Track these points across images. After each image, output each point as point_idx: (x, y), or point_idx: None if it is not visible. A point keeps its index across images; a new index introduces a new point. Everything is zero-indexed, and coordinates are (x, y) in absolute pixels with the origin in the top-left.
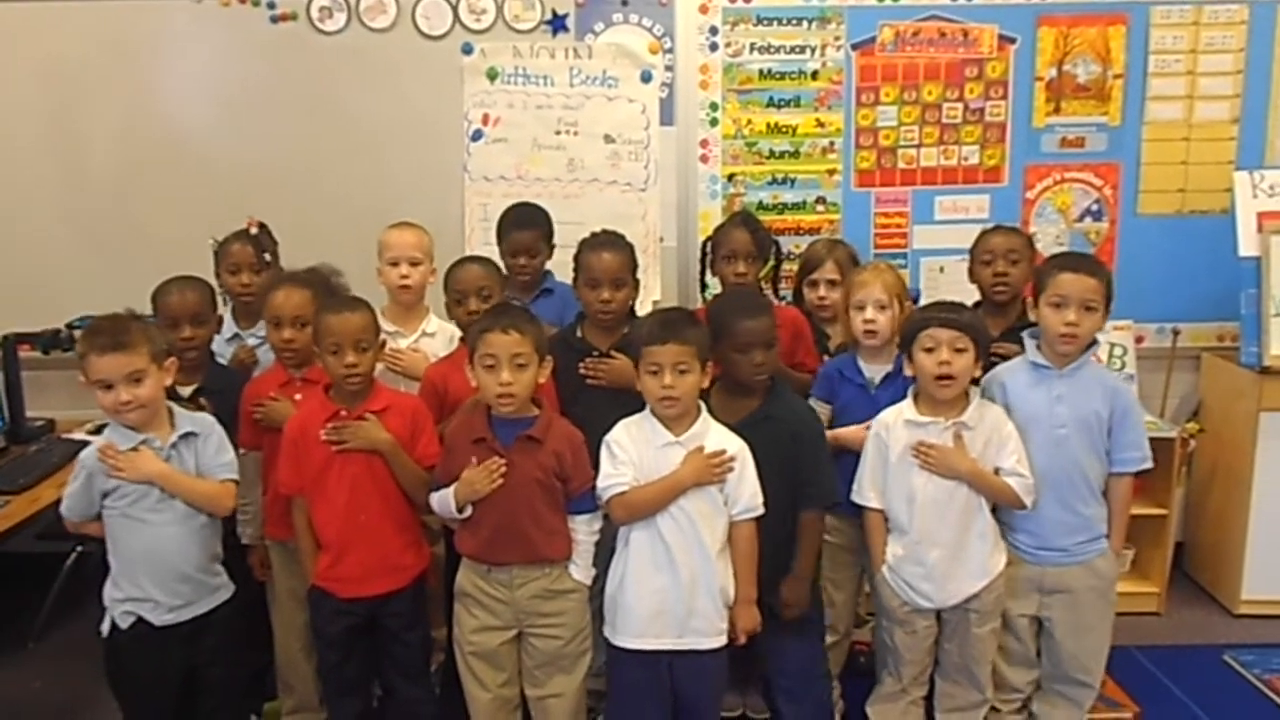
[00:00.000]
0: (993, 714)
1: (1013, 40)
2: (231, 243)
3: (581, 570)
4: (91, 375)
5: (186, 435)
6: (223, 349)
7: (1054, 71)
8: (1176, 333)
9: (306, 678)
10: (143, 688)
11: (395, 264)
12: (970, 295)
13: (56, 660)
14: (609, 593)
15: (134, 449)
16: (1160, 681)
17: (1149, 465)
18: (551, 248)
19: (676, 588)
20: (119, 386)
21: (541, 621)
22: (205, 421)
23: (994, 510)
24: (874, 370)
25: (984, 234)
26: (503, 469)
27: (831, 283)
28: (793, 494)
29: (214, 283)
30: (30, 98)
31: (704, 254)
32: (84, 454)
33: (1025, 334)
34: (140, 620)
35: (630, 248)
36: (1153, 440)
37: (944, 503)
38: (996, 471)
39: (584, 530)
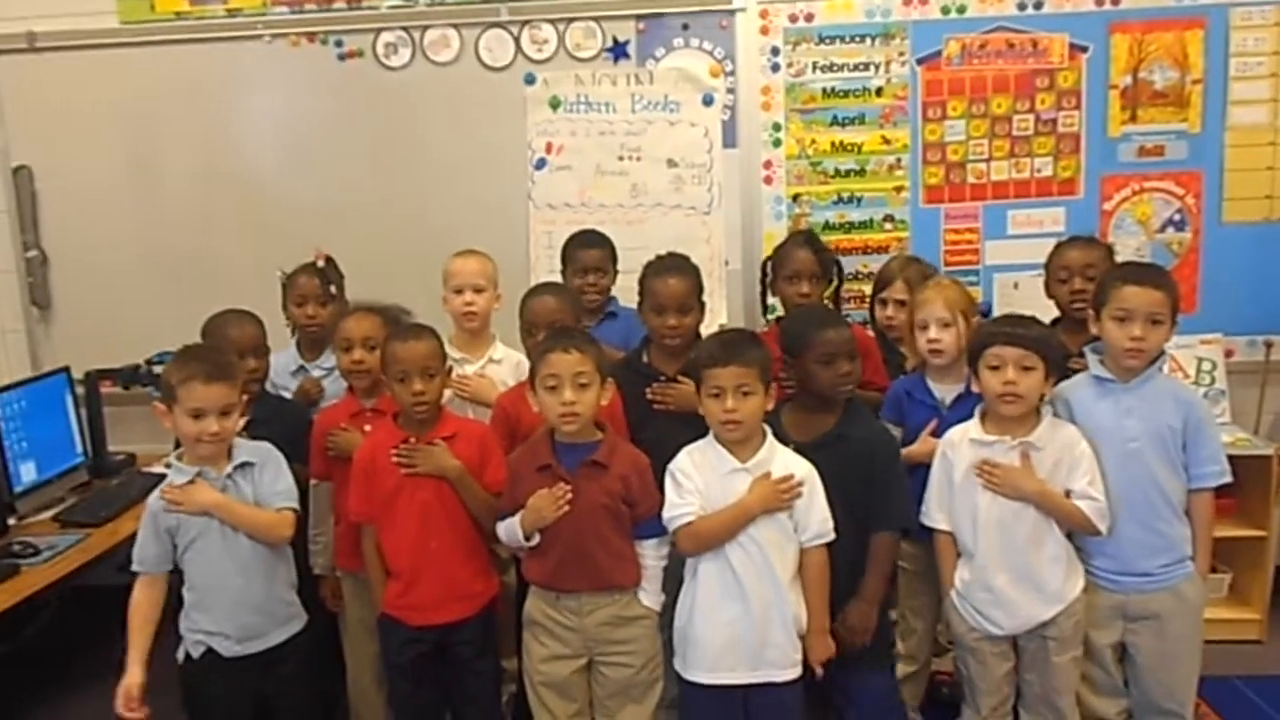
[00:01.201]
0: None
1: (1084, 49)
2: (299, 275)
3: (651, 596)
4: (189, 402)
5: (243, 465)
6: (288, 381)
7: (1129, 79)
8: (1269, 345)
9: (378, 709)
10: (215, 716)
11: (460, 291)
12: (1047, 309)
13: None
14: (678, 625)
15: (190, 482)
16: (1265, 713)
17: (1227, 479)
18: (616, 270)
19: (748, 618)
20: (210, 417)
21: (612, 649)
22: (262, 450)
23: (1069, 534)
24: (944, 390)
25: (1059, 247)
26: (569, 495)
27: (900, 302)
28: (866, 517)
29: (265, 316)
30: (108, 140)
31: (764, 274)
32: (150, 498)
33: (1088, 348)
34: (211, 650)
35: (696, 272)
36: (1248, 458)
37: (1010, 525)
38: (1068, 494)
39: (652, 555)
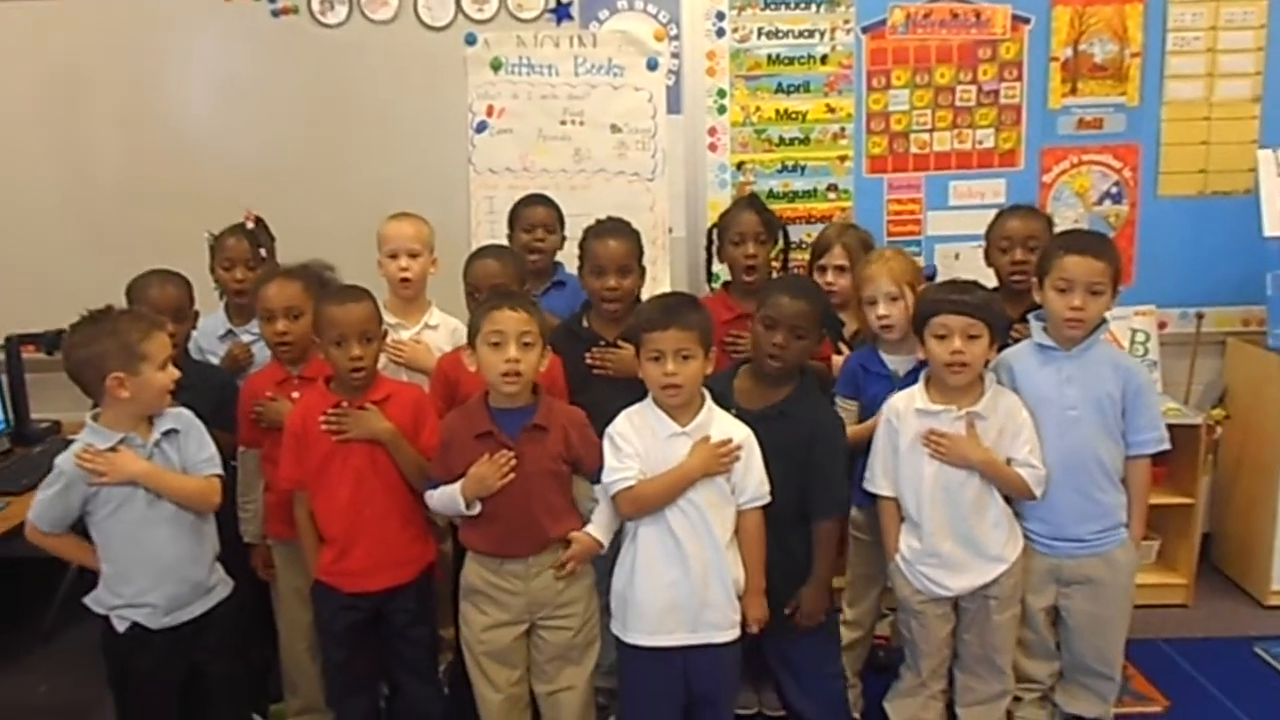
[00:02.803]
0: (1014, 704)
1: (1027, 20)
2: (226, 238)
3: (599, 529)
4: (163, 353)
5: (169, 432)
6: (216, 346)
7: (1070, 51)
8: (1200, 317)
9: (312, 678)
10: (142, 687)
11: (394, 256)
12: (986, 279)
13: (63, 664)
14: (616, 589)
15: (113, 448)
16: (1190, 675)
17: (1166, 446)
18: (563, 236)
19: (688, 580)
20: (169, 365)
21: (554, 613)
22: (184, 417)
23: (1006, 499)
24: (898, 362)
25: (1001, 216)
26: (513, 462)
27: (840, 269)
28: (801, 496)
29: (195, 278)
30: (32, 95)
31: (709, 241)
32: (60, 459)
33: (1031, 316)
34: (137, 624)
35: (636, 235)
36: (1177, 428)
37: (955, 492)
38: (1008, 461)
39: (603, 494)
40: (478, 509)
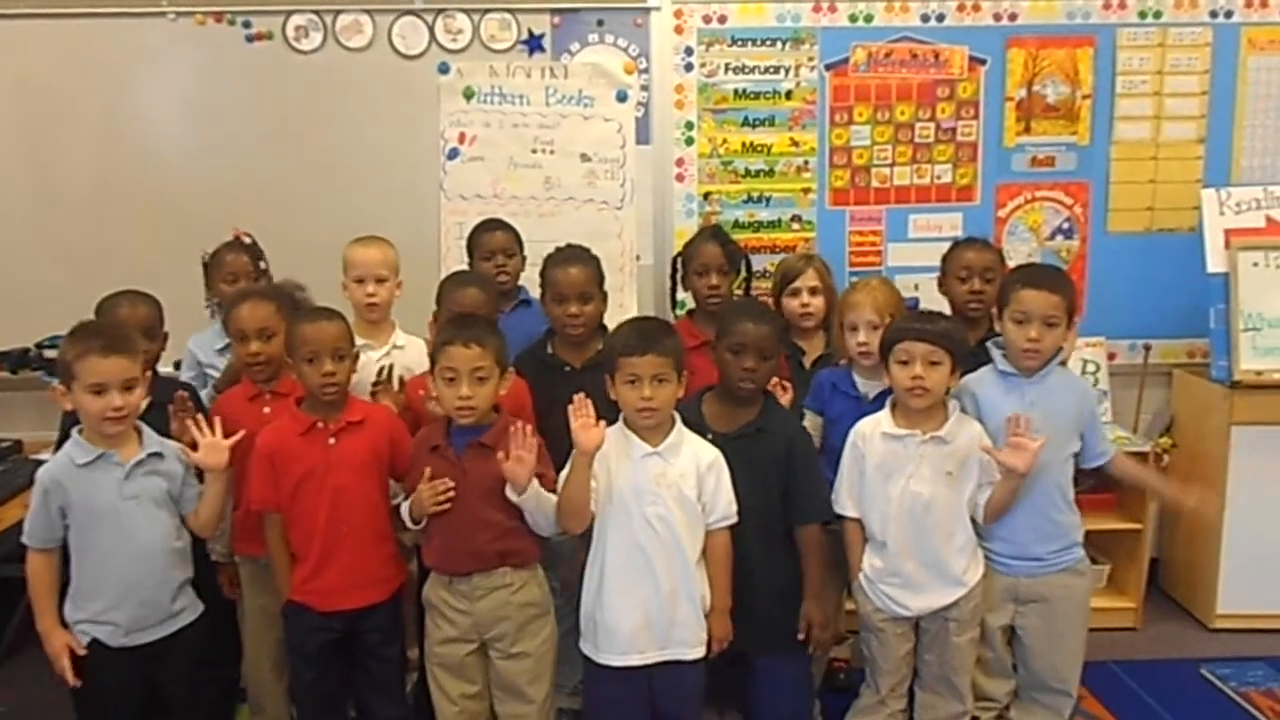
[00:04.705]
0: None
1: (983, 61)
2: (225, 253)
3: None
4: (87, 378)
5: (153, 455)
6: (215, 360)
7: (1024, 92)
8: (1148, 349)
9: (277, 697)
10: (102, 705)
11: (361, 281)
12: (941, 307)
13: (24, 682)
14: (586, 611)
15: (89, 463)
16: (1138, 696)
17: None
18: (524, 256)
19: (658, 598)
20: (113, 392)
21: (503, 637)
22: (168, 443)
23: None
24: (869, 386)
25: (957, 247)
26: (450, 491)
27: (813, 290)
28: (782, 508)
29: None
30: (2, 114)
31: (674, 270)
32: (40, 472)
33: (990, 344)
34: (96, 641)
35: (596, 261)
36: (1127, 455)
37: (920, 516)
38: (979, 486)
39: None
40: (423, 524)
